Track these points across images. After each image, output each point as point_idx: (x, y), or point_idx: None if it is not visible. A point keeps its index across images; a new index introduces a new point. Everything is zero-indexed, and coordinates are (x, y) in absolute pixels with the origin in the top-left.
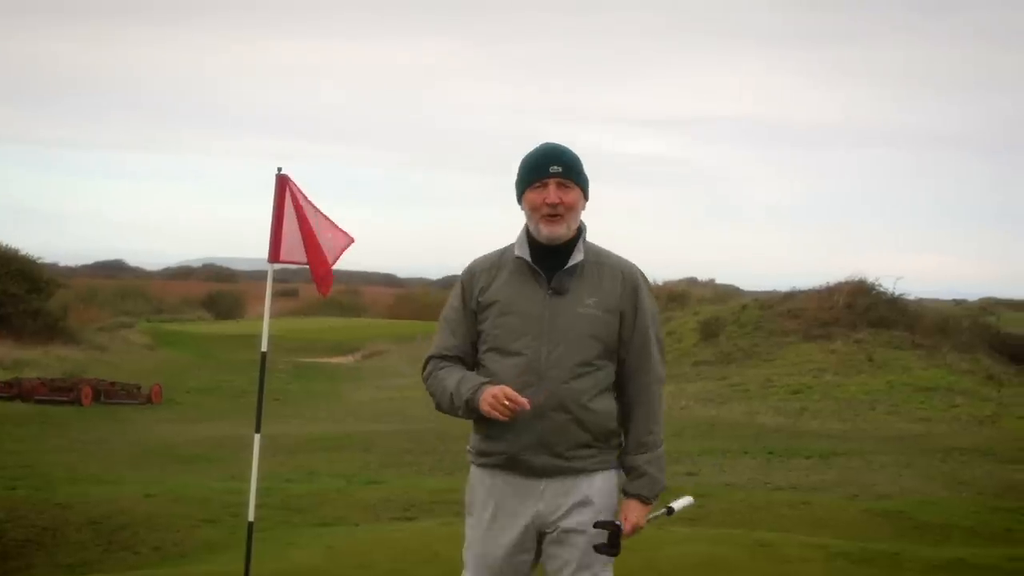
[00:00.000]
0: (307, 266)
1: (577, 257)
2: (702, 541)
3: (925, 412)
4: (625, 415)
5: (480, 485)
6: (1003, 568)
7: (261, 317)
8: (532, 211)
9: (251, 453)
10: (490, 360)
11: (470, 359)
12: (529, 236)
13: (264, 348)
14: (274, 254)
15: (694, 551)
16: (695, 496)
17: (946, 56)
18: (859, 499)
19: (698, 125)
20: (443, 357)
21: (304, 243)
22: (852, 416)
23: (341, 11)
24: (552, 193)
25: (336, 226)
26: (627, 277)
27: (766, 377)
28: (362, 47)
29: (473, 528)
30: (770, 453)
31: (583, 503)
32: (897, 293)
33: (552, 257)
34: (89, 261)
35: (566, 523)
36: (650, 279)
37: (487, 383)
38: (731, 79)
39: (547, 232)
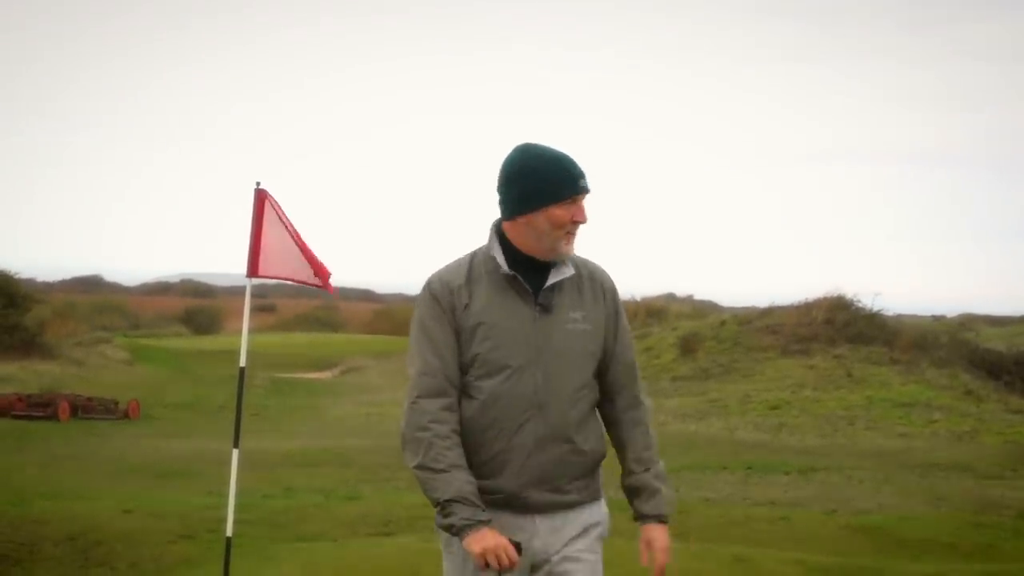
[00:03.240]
0: (285, 280)
1: (566, 271)
2: (681, 556)
3: (904, 428)
4: (615, 433)
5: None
6: None
7: (239, 332)
8: (554, 227)
9: (229, 468)
10: (482, 390)
11: (458, 383)
12: (505, 247)
13: (242, 363)
14: (252, 269)
15: (673, 566)
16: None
17: (926, 73)
18: (838, 515)
19: (675, 140)
20: (445, 399)
21: (300, 250)
22: (831, 431)
23: (325, 26)
24: (583, 211)
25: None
26: (605, 283)
27: (745, 392)
28: (344, 61)
29: (458, 571)
30: (749, 468)
31: (584, 533)
32: (876, 309)
33: (531, 270)
34: (67, 276)
35: (568, 551)
36: (628, 294)
37: (485, 521)
38: (710, 96)
39: (565, 250)
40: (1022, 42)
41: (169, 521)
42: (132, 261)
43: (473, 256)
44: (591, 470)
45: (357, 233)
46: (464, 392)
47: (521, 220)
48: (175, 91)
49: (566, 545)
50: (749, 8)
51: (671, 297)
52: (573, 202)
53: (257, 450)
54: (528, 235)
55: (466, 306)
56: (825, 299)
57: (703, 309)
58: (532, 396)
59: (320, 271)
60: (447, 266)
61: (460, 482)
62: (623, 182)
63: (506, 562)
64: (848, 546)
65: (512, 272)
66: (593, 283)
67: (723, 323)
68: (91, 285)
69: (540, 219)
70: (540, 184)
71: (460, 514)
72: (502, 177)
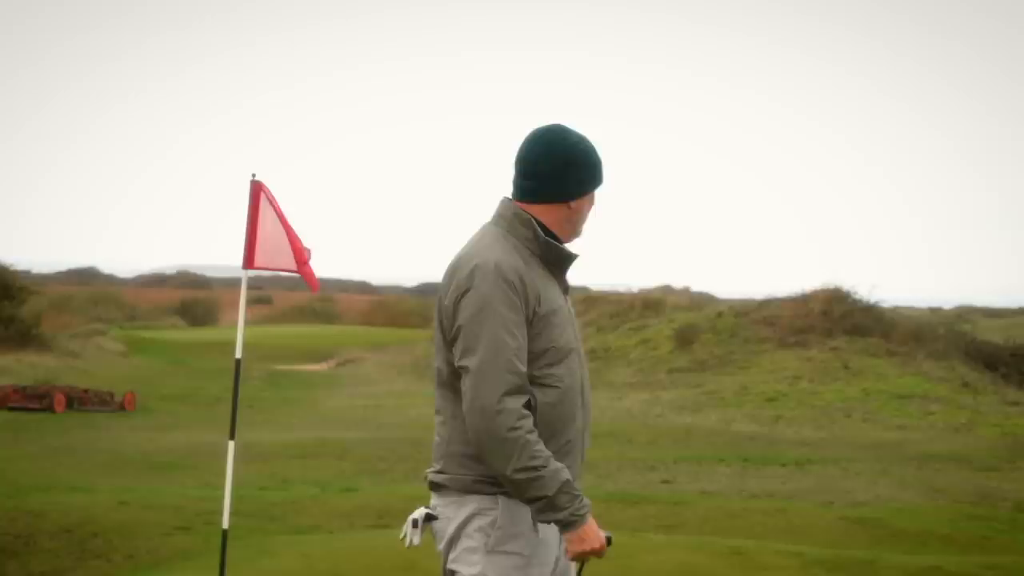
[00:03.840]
0: (281, 272)
1: (575, 253)
2: (678, 549)
3: (901, 420)
4: None
5: (524, 522)
6: None
7: (235, 324)
8: (580, 216)
9: (225, 460)
10: (557, 378)
11: (528, 374)
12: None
13: (239, 355)
14: (248, 260)
15: (670, 559)
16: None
17: (923, 64)
18: (835, 507)
19: (671, 134)
20: (526, 396)
21: (290, 244)
22: (827, 423)
23: (319, 18)
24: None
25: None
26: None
27: (741, 384)
28: (339, 51)
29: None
30: (745, 460)
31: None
32: (873, 301)
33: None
34: (62, 268)
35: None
36: (624, 286)
37: (590, 512)
38: (704, 88)
39: (579, 236)
40: (1017, 32)
41: (165, 513)
42: (128, 253)
43: (504, 238)
44: None
45: (353, 226)
46: (538, 382)
47: (570, 204)
48: (173, 86)
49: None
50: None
51: (668, 289)
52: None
53: (253, 442)
54: (568, 219)
55: (539, 295)
56: (822, 291)
57: (700, 301)
58: (582, 381)
59: (299, 256)
60: (500, 248)
61: (562, 472)
62: (619, 175)
63: (601, 554)
64: (845, 538)
65: (575, 254)
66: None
67: (720, 315)
68: (87, 277)
69: (585, 203)
70: (593, 170)
71: (570, 507)
72: (555, 160)
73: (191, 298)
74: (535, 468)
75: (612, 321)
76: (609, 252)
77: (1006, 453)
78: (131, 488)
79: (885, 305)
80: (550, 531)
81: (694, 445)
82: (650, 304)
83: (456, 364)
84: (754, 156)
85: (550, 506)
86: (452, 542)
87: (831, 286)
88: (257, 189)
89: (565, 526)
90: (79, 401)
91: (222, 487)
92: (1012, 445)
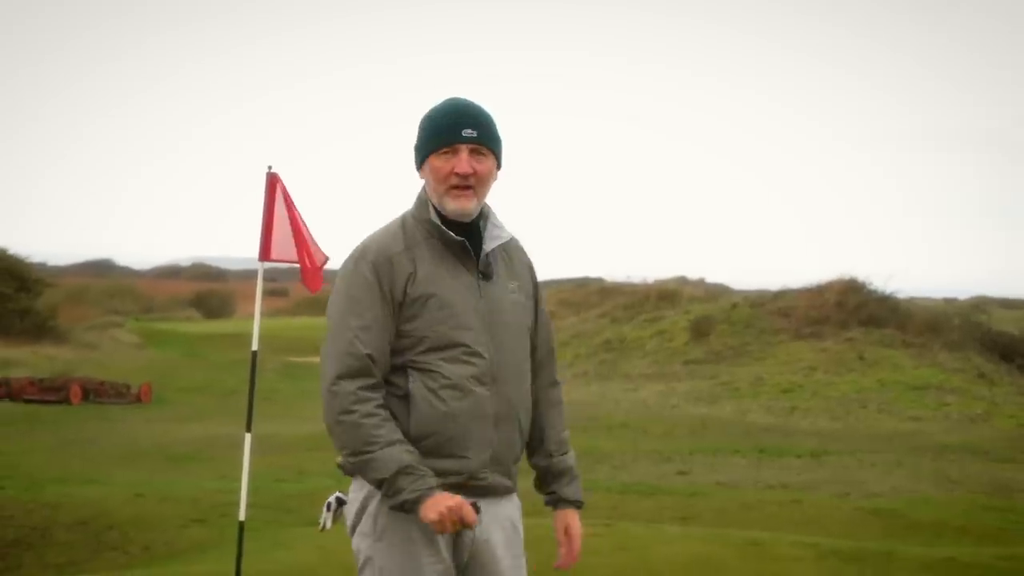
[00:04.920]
0: (296, 264)
1: (502, 235)
2: (693, 540)
3: (916, 411)
4: (535, 411)
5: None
6: (994, 567)
7: (251, 316)
8: (438, 181)
9: (241, 452)
10: (433, 363)
11: (386, 360)
12: (434, 208)
13: (255, 347)
14: (264, 253)
15: (685, 550)
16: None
17: (937, 55)
18: (850, 498)
19: (687, 124)
20: (367, 379)
21: (294, 239)
22: (843, 415)
23: (342, 13)
24: (464, 162)
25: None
26: (524, 255)
27: (757, 376)
28: (355, 48)
29: (399, 562)
30: (761, 452)
31: (514, 528)
32: (888, 291)
33: (460, 232)
34: (78, 260)
35: (499, 565)
36: (639, 278)
37: (436, 488)
38: (712, 81)
39: (455, 207)
40: None
41: (181, 505)
42: (144, 245)
43: (404, 221)
44: (521, 454)
45: (366, 220)
46: (415, 369)
47: (421, 176)
48: (190, 79)
49: (500, 544)
50: None
51: (683, 280)
52: (453, 152)
53: (269, 434)
54: (430, 192)
55: (411, 275)
56: (837, 282)
57: (715, 292)
58: (487, 370)
59: (312, 261)
60: (379, 232)
61: (399, 454)
62: (634, 167)
63: (469, 519)
64: (860, 529)
65: (460, 238)
66: (518, 253)
67: (735, 306)
68: (102, 269)
69: (427, 173)
70: (423, 135)
71: (410, 486)
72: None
73: (207, 290)
74: (368, 452)
75: (627, 312)
76: (624, 244)
77: (1022, 444)
78: (147, 480)
79: (900, 296)
80: None
81: (709, 436)
82: (665, 295)
83: None
84: (769, 150)
85: (390, 488)
86: (353, 527)
87: (846, 277)
88: (273, 181)
89: (411, 507)
90: (95, 393)
91: (238, 479)
92: None
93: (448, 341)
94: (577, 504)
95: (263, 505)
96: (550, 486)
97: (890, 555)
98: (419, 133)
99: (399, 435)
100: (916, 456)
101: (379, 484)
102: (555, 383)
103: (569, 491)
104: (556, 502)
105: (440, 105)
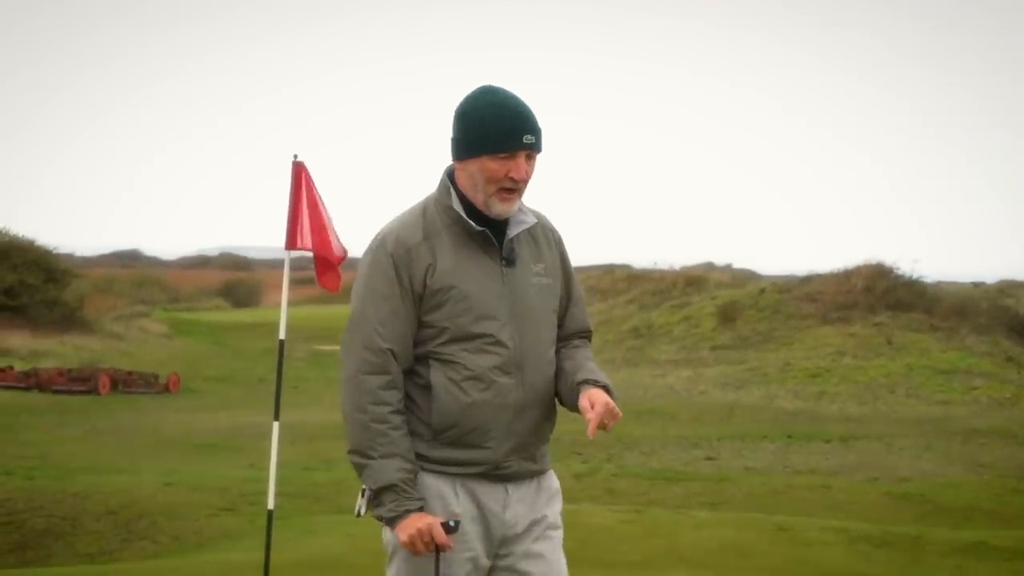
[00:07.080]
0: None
1: (526, 219)
2: (723, 525)
3: (944, 395)
4: (567, 363)
5: (439, 499)
6: None
7: (278, 305)
8: (488, 182)
9: (269, 441)
10: (455, 355)
11: (408, 355)
12: (459, 195)
13: (282, 336)
14: (291, 241)
15: (715, 535)
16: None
17: (965, 37)
18: (879, 482)
19: (715, 110)
20: (386, 376)
21: (312, 232)
22: (871, 399)
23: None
24: (522, 168)
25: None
26: (552, 230)
27: (784, 361)
28: (381, 39)
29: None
30: (789, 437)
31: (550, 501)
32: (915, 276)
33: (485, 217)
34: (105, 251)
35: (532, 547)
36: (667, 264)
37: (416, 510)
38: (740, 62)
39: (502, 209)
40: None
41: (210, 494)
42: (171, 235)
43: (425, 207)
44: (550, 436)
45: (389, 211)
46: (437, 360)
47: (460, 166)
48: (217, 68)
49: (534, 525)
50: None
51: (710, 266)
52: (511, 157)
53: (297, 423)
54: (468, 183)
55: (430, 266)
56: (864, 266)
57: (742, 278)
58: (511, 359)
59: (324, 262)
60: (399, 220)
61: (391, 470)
62: (661, 152)
63: (434, 544)
64: (890, 514)
65: (482, 228)
66: (546, 233)
67: (762, 291)
68: (130, 259)
69: (474, 168)
70: (480, 131)
71: (388, 504)
72: (455, 115)
73: (234, 279)
74: (367, 456)
75: (655, 299)
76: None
77: None
78: (176, 469)
79: (928, 280)
80: (467, 512)
81: (737, 422)
82: (692, 281)
83: None
84: (797, 134)
85: (374, 500)
86: None
87: (873, 262)
88: (299, 170)
89: (388, 524)
90: (124, 383)
91: (267, 468)
92: None
93: (470, 332)
94: (605, 387)
95: (292, 494)
96: (579, 389)
97: (920, 539)
98: (469, 127)
99: (401, 447)
100: (945, 440)
101: (365, 487)
102: (587, 337)
103: (593, 378)
104: (580, 385)
105: (492, 101)
